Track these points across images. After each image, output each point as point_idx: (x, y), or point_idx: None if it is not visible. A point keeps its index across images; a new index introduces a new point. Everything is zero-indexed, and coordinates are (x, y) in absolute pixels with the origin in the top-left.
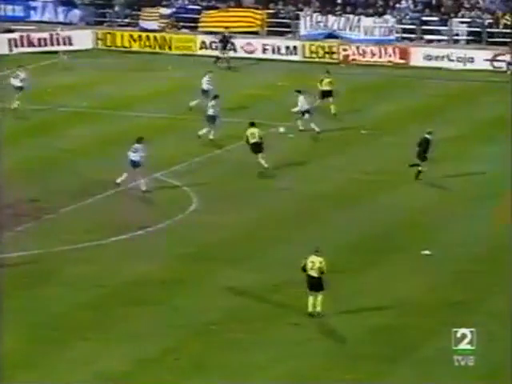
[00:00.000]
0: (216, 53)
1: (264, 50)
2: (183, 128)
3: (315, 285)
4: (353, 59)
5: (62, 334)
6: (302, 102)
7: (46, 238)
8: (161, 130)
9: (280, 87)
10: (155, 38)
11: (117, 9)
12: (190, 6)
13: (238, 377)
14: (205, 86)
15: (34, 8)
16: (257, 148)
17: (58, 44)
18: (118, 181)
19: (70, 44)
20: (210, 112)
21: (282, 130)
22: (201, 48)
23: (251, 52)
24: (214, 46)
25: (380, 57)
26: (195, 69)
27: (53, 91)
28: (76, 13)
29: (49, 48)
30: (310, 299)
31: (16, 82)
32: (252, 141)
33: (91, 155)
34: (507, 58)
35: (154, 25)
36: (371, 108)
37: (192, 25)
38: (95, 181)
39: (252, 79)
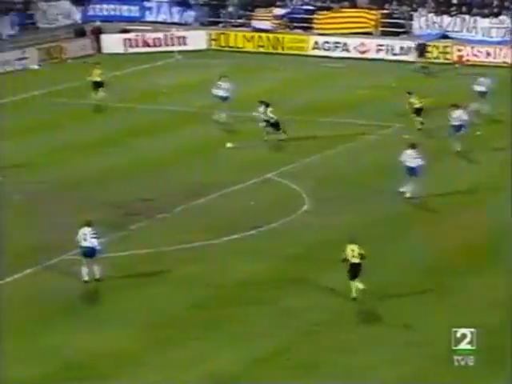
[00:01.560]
0: (327, 53)
1: (377, 51)
2: (296, 128)
3: (358, 271)
4: (467, 60)
5: (173, 333)
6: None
7: (159, 238)
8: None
9: (394, 88)
10: (268, 38)
11: (230, 9)
12: (304, 7)
13: (348, 377)
14: (221, 92)
15: (149, 8)
16: None
17: (173, 44)
18: (403, 190)
19: (185, 44)
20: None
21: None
22: (313, 48)
23: (363, 52)
24: (326, 46)
25: (495, 58)
26: (307, 69)
27: (167, 91)
28: (190, 13)
29: (163, 48)
30: (353, 285)
31: (220, 93)
32: None
33: (204, 155)
34: None
35: (267, 25)
36: None
37: (305, 25)
38: (208, 181)
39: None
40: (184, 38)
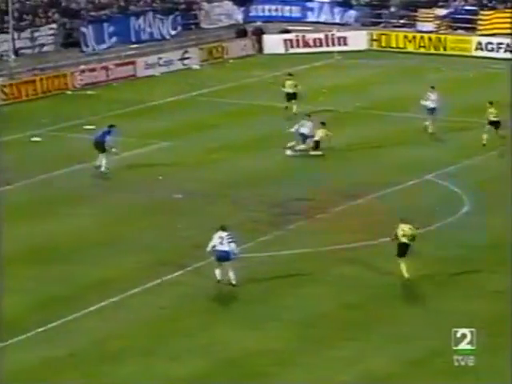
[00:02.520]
0: (491, 54)
1: None
2: (458, 129)
3: (406, 252)
4: None
5: (327, 333)
6: None
7: (316, 237)
8: (436, 132)
9: None
10: (430, 38)
11: (392, 9)
12: (467, 7)
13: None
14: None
15: (311, 9)
16: None
17: (333, 44)
18: None
19: (345, 44)
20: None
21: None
22: (476, 49)
23: None
24: (489, 47)
25: None
26: (469, 70)
27: (327, 92)
28: (351, 14)
29: (323, 49)
30: (403, 266)
31: (428, 104)
32: None
33: (362, 155)
34: None
35: (429, 26)
36: None
37: (468, 26)
38: (367, 181)
39: None
40: (345, 38)
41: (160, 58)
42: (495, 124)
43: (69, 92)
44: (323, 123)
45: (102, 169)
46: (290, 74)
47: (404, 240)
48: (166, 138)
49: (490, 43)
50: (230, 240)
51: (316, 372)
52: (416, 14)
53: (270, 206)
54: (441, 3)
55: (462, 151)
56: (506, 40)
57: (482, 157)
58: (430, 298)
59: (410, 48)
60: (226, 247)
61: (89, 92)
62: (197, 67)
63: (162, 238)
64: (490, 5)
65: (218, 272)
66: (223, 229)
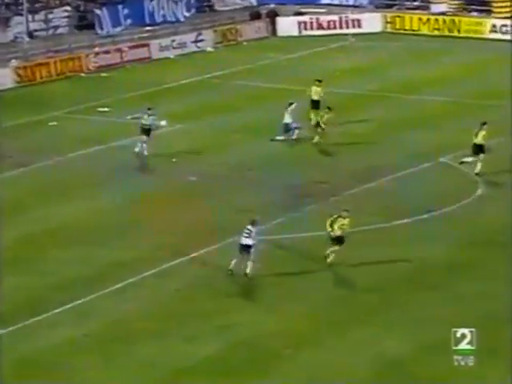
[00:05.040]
0: (505, 37)
1: None
2: (470, 112)
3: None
4: None
5: (345, 315)
6: None
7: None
8: (448, 114)
9: None
10: (444, 21)
11: None
12: None
13: None
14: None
15: None
16: None
17: (347, 27)
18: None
19: (359, 27)
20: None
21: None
22: (490, 31)
23: None
24: (503, 29)
25: None
26: (484, 53)
27: (340, 74)
28: None
29: (338, 31)
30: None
31: None
32: None
33: (377, 139)
34: None
35: (443, 8)
36: None
37: (483, 8)
38: (379, 164)
39: None
40: (359, 20)
41: (174, 41)
42: None
43: (83, 74)
44: (329, 108)
45: (145, 152)
46: (319, 81)
47: (339, 233)
48: (180, 121)
49: (505, 25)
50: (255, 235)
51: (331, 354)
52: None
53: (284, 189)
54: None
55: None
56: None
57: (495, 140)
58: (447, 282)
59: (424, 30)
60: (249, 241)
61: (103, 74)
62: (211, 49)
63: (178, 221)
64: None
65: (233, 262)
66: (253, 223)
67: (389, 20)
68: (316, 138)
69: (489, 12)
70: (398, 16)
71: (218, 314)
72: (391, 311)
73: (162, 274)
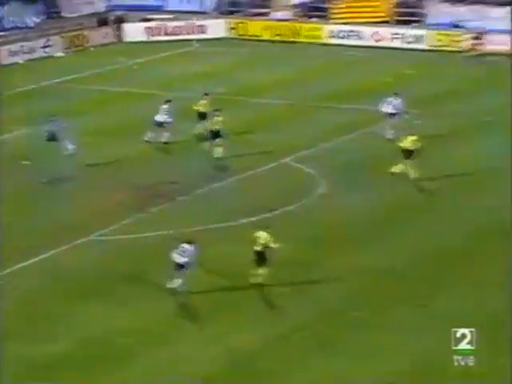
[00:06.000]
0: (342, 41)
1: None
2: (309, 114)
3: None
4: (479, 49)
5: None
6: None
7: (177, 220)
8: (288, 116)
9: (408, 75)
10: (285, 27)
11: None
12: None
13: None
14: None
15: None
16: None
17: (193, 33)
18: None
19: (204, 33)
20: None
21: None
22: (329, 37)
23: (378, 41)
24: (341, 34)
25: (507, 47)
26: (322, 58)
27: (185, 78)
28: (210, 2)
29: (184, 37)
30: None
31: (387, 109)
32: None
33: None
34: None
35: (285, 15)
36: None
37: (321, 14)
38: (228, 165)
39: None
40: (203, 26)
41: (23, 46)
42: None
43: None
44: (218, 110)
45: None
46: (206, 94)
47: (257, 248)
48: (29, 125)
49: (342, 31)
50: (189, 254)
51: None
52: (273, 2)
53: (132, 190)
54: None
55: (318, 135)
56: (358, 28)
57: (338, 140)
58: (296, 278)
59: (266, 36)
60: (184, 259)
61: None
62: (60, 55)
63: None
64: None
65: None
66: (189, 242)
67: (232, 26)
68: (219, 151)
69: (326, 18)
70: (242, 22)
71: (66, 315)
72: (237, 308)
73: (9, 276)
